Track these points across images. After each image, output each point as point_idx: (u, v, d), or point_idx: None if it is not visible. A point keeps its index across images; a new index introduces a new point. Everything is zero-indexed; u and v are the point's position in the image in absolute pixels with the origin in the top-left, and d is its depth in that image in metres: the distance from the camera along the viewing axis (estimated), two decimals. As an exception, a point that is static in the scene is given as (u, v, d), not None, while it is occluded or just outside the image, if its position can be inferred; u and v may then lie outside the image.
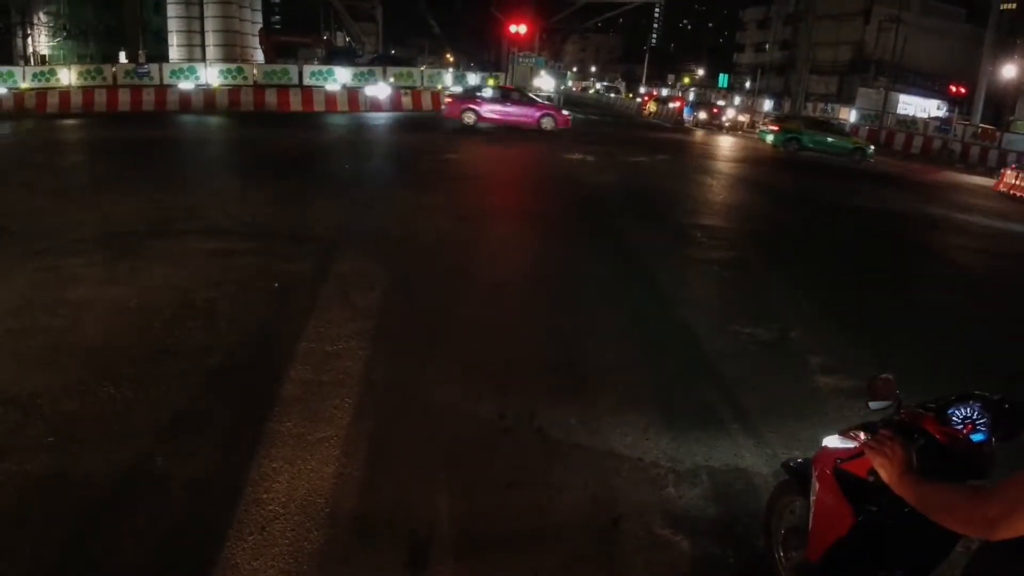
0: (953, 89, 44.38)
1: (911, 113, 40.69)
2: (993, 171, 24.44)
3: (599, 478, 3.85)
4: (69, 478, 3.52)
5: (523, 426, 4.33)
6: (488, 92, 24.08)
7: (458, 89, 32.60)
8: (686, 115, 36.50)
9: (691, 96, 57.80)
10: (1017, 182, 20.25)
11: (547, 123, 22.56)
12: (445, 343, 5.61)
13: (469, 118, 22.12)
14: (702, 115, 36.52)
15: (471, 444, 4.13)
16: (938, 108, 45.17)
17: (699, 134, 30.60)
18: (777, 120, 28.38)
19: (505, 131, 21.63)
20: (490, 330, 6.00)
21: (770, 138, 25.70)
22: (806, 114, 37.74)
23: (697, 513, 3.60)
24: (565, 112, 23.99)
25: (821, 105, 44.80)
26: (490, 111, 22.40)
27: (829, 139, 25.35)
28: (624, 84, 74.08)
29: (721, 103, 45.88)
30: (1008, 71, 37.75)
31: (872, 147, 26.04)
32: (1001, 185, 20.88)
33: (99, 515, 3.28)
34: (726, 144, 26.87)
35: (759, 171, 19.37)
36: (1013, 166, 21.37)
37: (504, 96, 23.33)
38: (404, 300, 6.59)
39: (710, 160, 21.10)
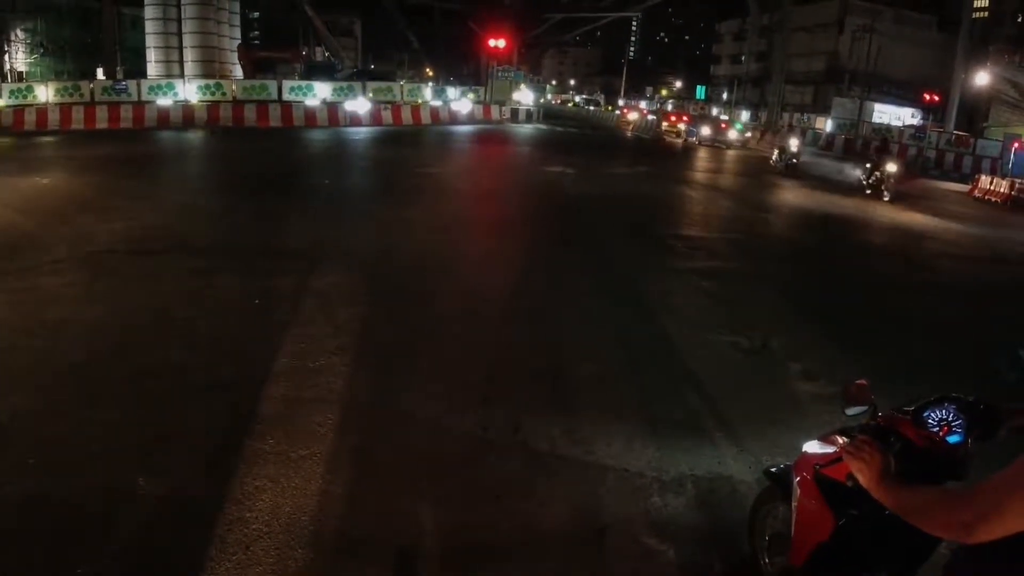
0: (927, 97, 45.22)
1: (886, 121, 41.31)
2: (967, 177, 24.85)
3: (584, 489, 3.85)
4: (49, 500, 3.47)
5: (507, 439, 4.33)
6: None
7: (438, 103, 32.72)
8: (650, 120, 35.57)
9: (669, 106, 57.97)
10: (992, 187, 20.62)
11: None
12: (427, 357, 5.59)
13: None
14: (705, 131, 31.75)
15: (455, 458, 4.12)
16: (912, 116, 45.87)
17: (677, 145, 30.71)
18: None
19: (484, 145, 21.67)
20: (472, 343, 5.99)
21: None
22: None
23: (682, 521, 3.62)
24: None
25: (797, 115, 45.34)
26: None
27: None
28: (603, 96, 74.66)
29: (725, 117, 42.35)
30: (980, 78, 38.37)
31: None
32: (976, 191, 21.25)
33: (80, 536, 3.24)
34: (703, 155, 27.09)
35: (735, 181, 19.54)
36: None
37: None
38: (385, 315, 6.57)
39: (684, 170, 21.28)
